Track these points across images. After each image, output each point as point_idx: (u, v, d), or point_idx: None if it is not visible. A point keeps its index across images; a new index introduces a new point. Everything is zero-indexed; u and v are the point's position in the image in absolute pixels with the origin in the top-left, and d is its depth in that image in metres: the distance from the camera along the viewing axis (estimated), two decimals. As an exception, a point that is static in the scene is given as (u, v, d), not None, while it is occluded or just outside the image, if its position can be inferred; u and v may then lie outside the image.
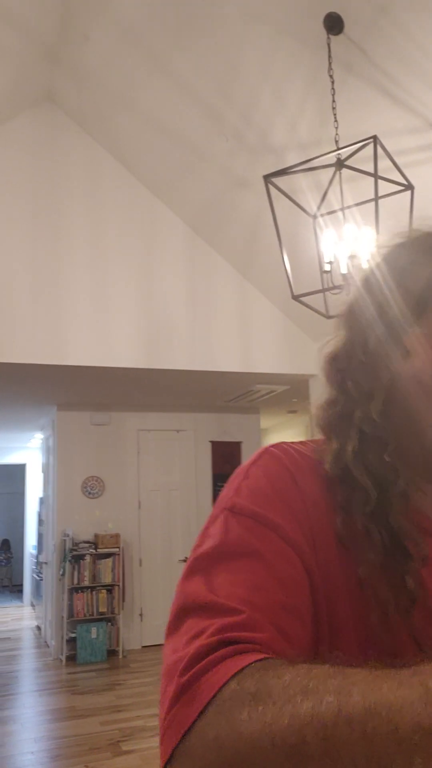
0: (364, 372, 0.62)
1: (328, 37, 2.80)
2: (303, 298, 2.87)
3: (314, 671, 0.41)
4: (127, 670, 5.67)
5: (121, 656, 6.04)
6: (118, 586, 6.09)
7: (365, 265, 0.66)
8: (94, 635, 5.93)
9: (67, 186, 4.49)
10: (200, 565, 0.55)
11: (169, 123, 3.98)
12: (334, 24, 2.77)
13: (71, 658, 5.92)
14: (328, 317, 2.98)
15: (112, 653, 6.05)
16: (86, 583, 5.99)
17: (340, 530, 0.58)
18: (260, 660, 0.44)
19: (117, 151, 4.56)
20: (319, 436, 0.66)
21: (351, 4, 2.71)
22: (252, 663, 0.43)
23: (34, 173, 4.41)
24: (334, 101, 2.80)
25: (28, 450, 9.80)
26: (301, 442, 0.67)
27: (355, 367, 0.63)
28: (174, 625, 0.51)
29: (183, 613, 0.51)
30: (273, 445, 0.65)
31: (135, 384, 5.26)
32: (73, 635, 5.95)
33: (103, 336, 4.46)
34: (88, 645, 5.90)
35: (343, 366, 0.65)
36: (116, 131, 4.40)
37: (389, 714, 0.37)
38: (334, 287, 2.69)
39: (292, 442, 0.66)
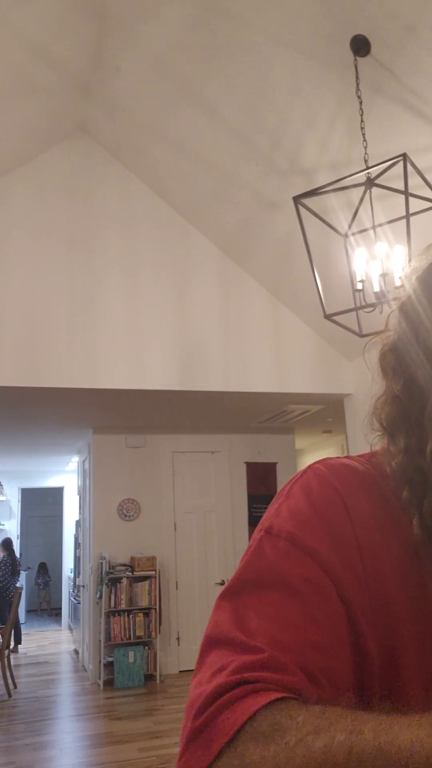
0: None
1: (355, 59, 2.83)
2: (336, 318, 2.86)
3: (327, 712, 0.42)
4: (165, 695, 5.62)
5: (158, 681, 5.99)
6: (155, 609, 6.07)
7: (423, 265, 0.63)
8: (131, 659, 5.90)
9: (101, 214, 4.59)
10: (232, 591, 0.54)
11: (199, 149, 4.05)
12: (360, 46, 2.80)
13: (109, 683, 5.90)
14: (362, 336, 2.96)
15: (149, 678, 6.01)
16: (123, 606, 5.98)
17: (418, 535, 0.55)
18: (274, 701, 0.44)
19: (149, 179, 4.66)
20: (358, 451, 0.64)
21: (377, 25, 2.74)
22: (266, 704, 0.43)
23: (69, 202, 4.53)
24: (362, 121, 2.81)
25: (66, 473, 9.91)
26: (348, 457, 0.64)
27: (420, 360, 0.59)
28: (201, 658, 0.51)
29: (209, 645, 0.51)
30: (319, 462, 0.63)
31: (169, 406, 5.29)
32: (111, 659, 5.94)
33: (138, 359, 4.52)
34: (126, 669, 5.88)
35: (407, 358, 0.61)
36: (148, 159, 4.49)
37: (399, 752, 0.37)
38: (367, 305, 2.68)
39: (339, 457, 0.64)
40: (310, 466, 0.62)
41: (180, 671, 6.24)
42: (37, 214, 4.44)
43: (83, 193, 4.57)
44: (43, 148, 4.47)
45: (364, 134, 2.80)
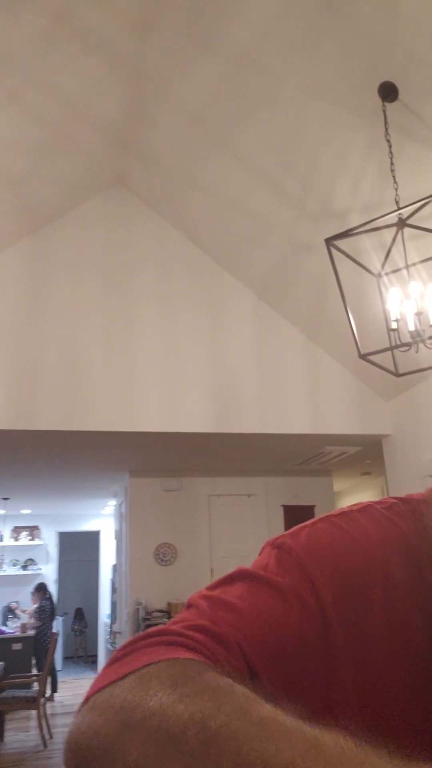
0: None
1: (383, 105, 2.89)
2: (372, 357, 2.84)
3: (232, 684, 0.41)
4: (203, 749, 5.43)
5: (196, 734, 5.81)
6: (192, 657, 5.92)
7: None
8: (168, 710, 5.74)
9: (137, 261, 4.72)
10: (226, 578, 0.55)
11: (233, 197, 4.15)
12: (388, 92, 2.86)
13: (146, 735, 5.73)
14: (398, 375, 2.93)
15: (187, 730, 5.82)
16: (160, 654, 5.85)
17: None
18: (196, 660, 0.44)
19: (184, 227, 4.78)
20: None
21: (404, 72, 2.80)
22: (189, 658, 0.44)
23: (106, 251, 4.67)
24: (392, 164, 2.85)
25: (103, 517, 9.91)
26: (392, 505, 0.60)
27: None
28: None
29: (186, 606, 0.54)
30: (359, 508, 0.60)
31: (205, 449, 5.28)
32: (148, 710, 5.79)
33: (174, 402, 4.55)
34: (163, 720, 5.71)
35: None
36: (183, 208, 4.62)
37: (270, 744, 0.35)
38: (402, 345, 2.66)
39: (386, 506, 0.60)
40: (343, 512, 0.59)
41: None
42: (75, 262, 4.59)
43: (120, 242, 4.71)
44: (82, 199, 4.65)
45: (394, 176, 2.83)
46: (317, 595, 0.52)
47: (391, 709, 0.51)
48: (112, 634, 7.81)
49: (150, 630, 0.49)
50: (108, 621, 8.86)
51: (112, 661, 0.47)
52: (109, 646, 8.26)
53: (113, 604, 8.11)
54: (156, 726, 0.39)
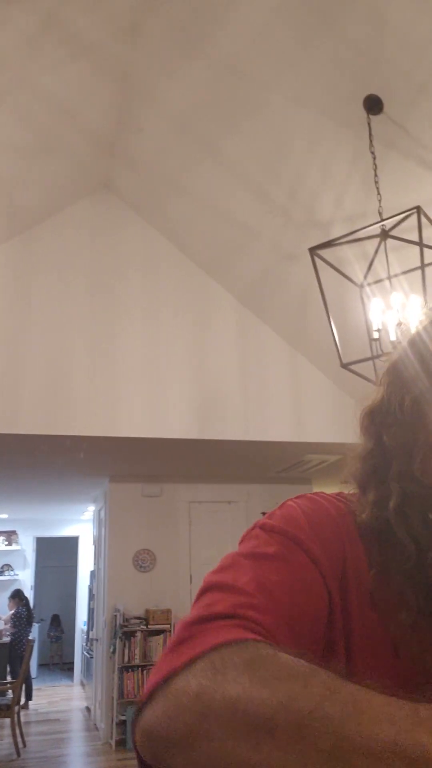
0: (403, 428, 0.63)
1: (368, 117, 2.93)
2: (353, 366, 2.87)
3: (309, 664, 0.42)
4: (179, 757, 5.39)
5: (172, 742, 5.76)
6: (170, 665, 5.87)
7: (413, 329, 0.67)
8: (144, 718, 5.69)
9: (122, 266, 4.71)
10: (227, 562, 0.57)
11: (219, 204, 4.17)
12: (373, 105, 2.90)
13: (121, 743, 5.68)
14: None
15: (163, 739, 5.77)
16: (137, 661, 5.82)
17: (372, 585, 0.58)
18: (261, 641, 0.45)
19: (170, 233, 4.78)
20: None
21: (389, 85, 2.85)
22: (253, 639, 0.45)
23: (92, 255, 4.66)
24: (376, 176, 2.89)
25: (81, 523, 9.83)
26: (337, 494, 0.68)
27: (392, 422, 0.64)
28: (195, 603, 0.54)
29: (203, 591, 0.54)
30: (312, 493, 0.67)
31: (187, 455, 5.27)
32: (124, 718, 5.74)
33: (157, 408, 4.54)
34: (139, 729, 5.66)
35: (381, 420, 0.66)
36: (169, 214, 4.63)
37: (369, 722, 0.36)
38: (383, 354, 2.69)
39: (332, 494, 0.68)
40: (304, 495, 0.66)
41: (194, 732, 5.98)
42: (60, 266, 4.57)
43: (105, 247, 4.70)
44: (67, 203, 4.63)
45: (378, 188, 2.87)
46: (307, 552, 0.57)
47: (374, 661, 0.56)
48: (89, 641, 7.73)
49: (201, 614, 0.49)
50: (85, 628, 8.78)
51: (172, 648, 0.47)
52: (86, 653, 8.18)
53: (90, 611, 8.03)
54: (242, 711, 0.39)
